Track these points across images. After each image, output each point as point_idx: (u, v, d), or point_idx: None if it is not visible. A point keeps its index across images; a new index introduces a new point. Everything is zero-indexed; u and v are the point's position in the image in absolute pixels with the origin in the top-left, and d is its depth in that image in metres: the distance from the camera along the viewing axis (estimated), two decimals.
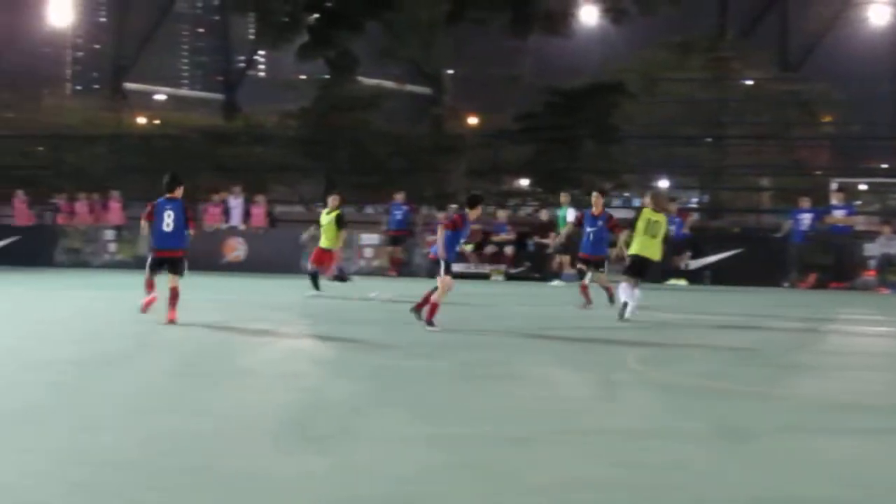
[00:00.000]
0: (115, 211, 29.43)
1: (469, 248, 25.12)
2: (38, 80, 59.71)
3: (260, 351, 11.83)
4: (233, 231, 27.66)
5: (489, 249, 25.59)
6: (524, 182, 39.20)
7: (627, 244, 15.27)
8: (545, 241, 25.11)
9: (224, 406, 8.30)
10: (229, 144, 35.88)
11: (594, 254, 17.01)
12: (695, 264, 25.32)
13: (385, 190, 29.70)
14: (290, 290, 20.02)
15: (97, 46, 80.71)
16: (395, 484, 5.86)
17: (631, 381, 9.85)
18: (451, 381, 9.96)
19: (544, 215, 27.08)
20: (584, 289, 17.19)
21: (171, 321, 13.29)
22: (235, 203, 27.75)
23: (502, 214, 27.21)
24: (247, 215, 27.66)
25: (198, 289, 16.27)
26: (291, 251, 25.22)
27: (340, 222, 19.55)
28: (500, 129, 36.59)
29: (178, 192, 13.84)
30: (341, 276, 19.95)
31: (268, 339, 12.89)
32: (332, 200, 19.92)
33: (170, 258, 13.77)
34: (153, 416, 8.19)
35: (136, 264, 24.49)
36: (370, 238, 27.48)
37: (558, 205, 25.28)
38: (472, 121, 42.48)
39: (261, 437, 7.34)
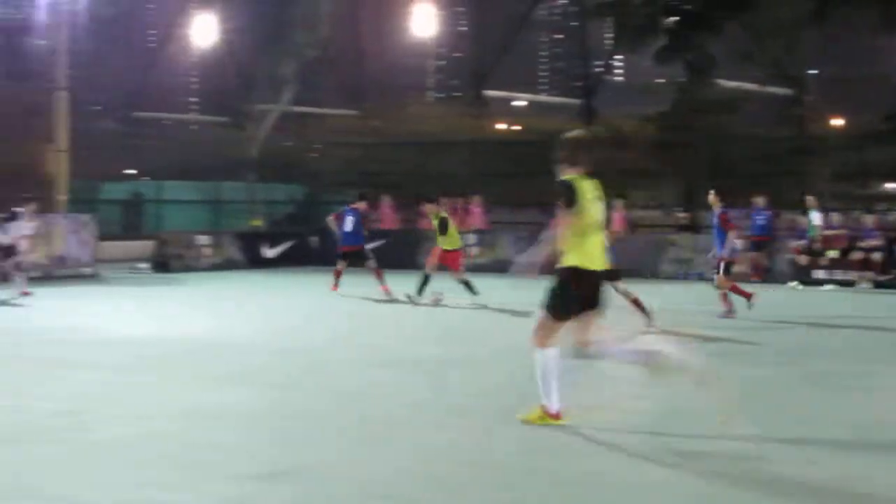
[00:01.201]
0: (477, 215, 30.17)
1: (833, 253, 24.06)
2: (402, 89, 62.09)
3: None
4: None
5: (856, 255, 24.35)
6: (894, 185, 37.23)
7: None
8: None
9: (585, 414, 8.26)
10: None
11: None
12: None
13: (746, 194, 28.89)
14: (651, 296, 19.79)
15: (458, 55, 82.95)
16: None
17: None
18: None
19: None
20: None
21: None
22: None
23: (870, 219, 25.84)
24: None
25: None
26: (651, 255, 25.19)
27: (443, 226, 19.11)
28: (867, 131, 34.87)
29: None
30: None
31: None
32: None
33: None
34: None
35: (494, 267, 25.05)
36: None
37: None
38: (837, 122, 40.65)
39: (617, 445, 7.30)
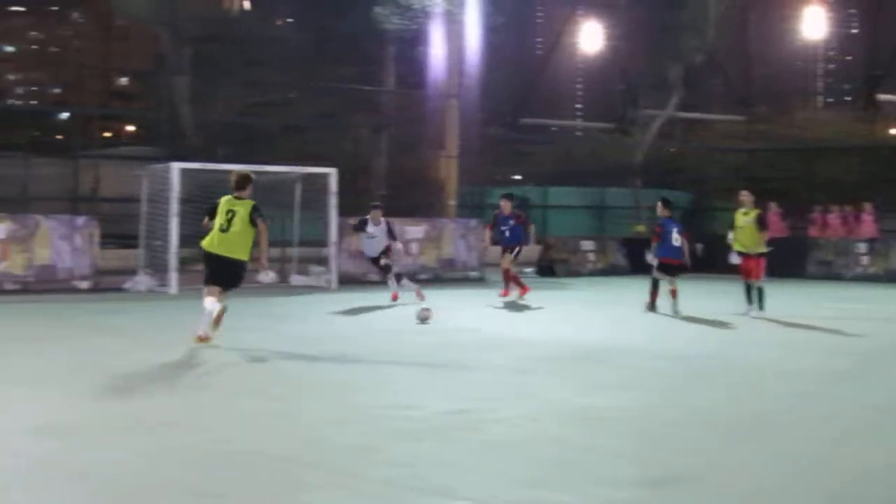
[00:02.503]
0: (868, 223, 28.72)
1: None
2: (790, 94, 60.08)
3: None
4: None
5: None
6: None
7: None
8: None
9: None
10: None
11: None
12: None
13: None
14: None
15: (848, 58, 79.34)
16: None
17: None
18: None
19: None
20: None
21: None
22: None
23: None
24: None
25: None
26: None
27: (762, 223, 17.51)
28: None
29: None
30: None
31: None
32: (745, 197, 17.80)
33: None
34: None
35: (887, 278, 23.69)
36: None
37: None
38: None
39: None
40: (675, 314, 17.51)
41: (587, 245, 30.40)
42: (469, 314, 18.20)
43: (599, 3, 41.67)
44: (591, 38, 44.15)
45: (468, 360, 12.39)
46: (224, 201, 13.16)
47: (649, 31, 39.53)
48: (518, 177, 45.91)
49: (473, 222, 27.71)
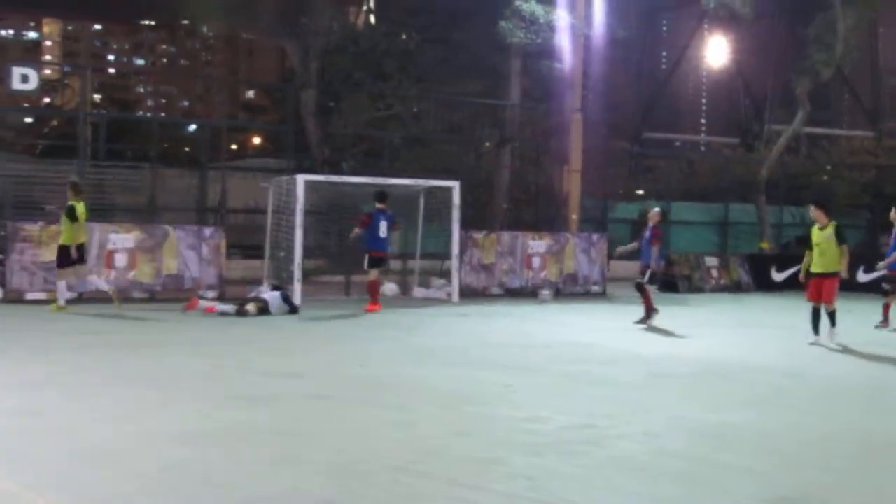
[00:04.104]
0: None
1: None
2: None
3: None
4: None
5: None
6: None
7: None
8: None
9: None
10: None
11: None
12: None
13: None
14: None
15: None
16: None
17: None
18: None
19: None
20: None
21: None
22: None
23: None
24: None
25: None
26: None
27: (841, 237, 16.09)
28: None
29: None
30: None
31: None
32: (814, 212, 16.54)
33: None
34: None
35: None
36: None
37: None
38: None
39: None
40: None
41: (710, 261, 30.01)
42: (591, 328, 18.12)
43: (725, 17, 41.15)
44: (716, 52, 43.67)
45: (590, 374, 12.34)
46: None
47: (776, 45, 38.96)
48: (640, 191, 45.58)
49: (596, 236, 27.56)
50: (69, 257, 19.16)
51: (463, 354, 14.07)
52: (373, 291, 20.90)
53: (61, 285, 19.20)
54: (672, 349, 15.26)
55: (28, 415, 8.88)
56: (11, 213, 23.21)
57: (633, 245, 19.90)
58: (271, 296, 19.26)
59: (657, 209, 19.97)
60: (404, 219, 24.57)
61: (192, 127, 51.55)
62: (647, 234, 19.04)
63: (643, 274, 19.01)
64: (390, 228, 20.98)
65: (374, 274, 20.97)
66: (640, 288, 19.02)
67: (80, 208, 19.28)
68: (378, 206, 20.82)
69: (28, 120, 52.51)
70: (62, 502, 6.35)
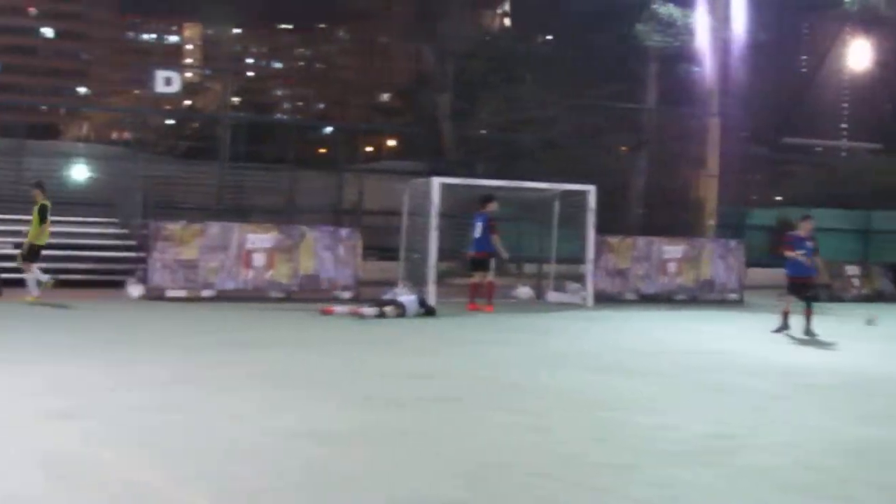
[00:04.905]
0: None
1: None
2: None
3: None
4: None
5: None
6: None
7: None
8: None
9: None
10: None
11: None
12: None
13: None
14: None
15: None
16: None
17: None
18: None
19: None
20: None
21: None
22: None
23: None
24: None
25: None
26: None
27: None
28: None
29: None
30: None
31: None
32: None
33: None
34: None
35: None
36: None
37: None
38: None
39: None
40: None
41: (851, 270, 29.30)
42: (727, 336, 17.85)
43: (869, 19, 40.11)
44: (858, 55, 42.58)
45: (727, 382, 12.14)
46: None
47: None
48: (779, 197, 44.70)
49: (733, 243, 27.11)
50: (39, 254, 19.71)
51: (597, 359, 14.00)
52: (478, 293, 21.08)
53: (32, 278, 19.51)
54: (812, 359, 14.94)
55: (169, 411, 9.10)
56: (153, 213, 23.83)
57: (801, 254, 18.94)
58: (408, 300, 19.40)
59: (808, 218, 19.12)
60: (539, 223, 24.63)
61: (328, 129, 52.26)
62: (809, 244, 18.37)
63: (809, 286, 18.42)
64: (486, 231, 21.20)
65: (477, 276, 21.35)
66: (812, 299, 18.32)
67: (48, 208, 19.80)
68: (482, 208, 21.38)
69: (169, 122, 53.88)
70: (204, 496, 6.48)
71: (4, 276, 20.46)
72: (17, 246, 21.66)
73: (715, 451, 8.26)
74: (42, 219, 19.52)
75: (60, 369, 11.32)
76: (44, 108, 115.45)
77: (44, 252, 20.02)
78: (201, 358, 12.74)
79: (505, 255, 21.83)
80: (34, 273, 19.52)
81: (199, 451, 7.63)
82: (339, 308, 19.46)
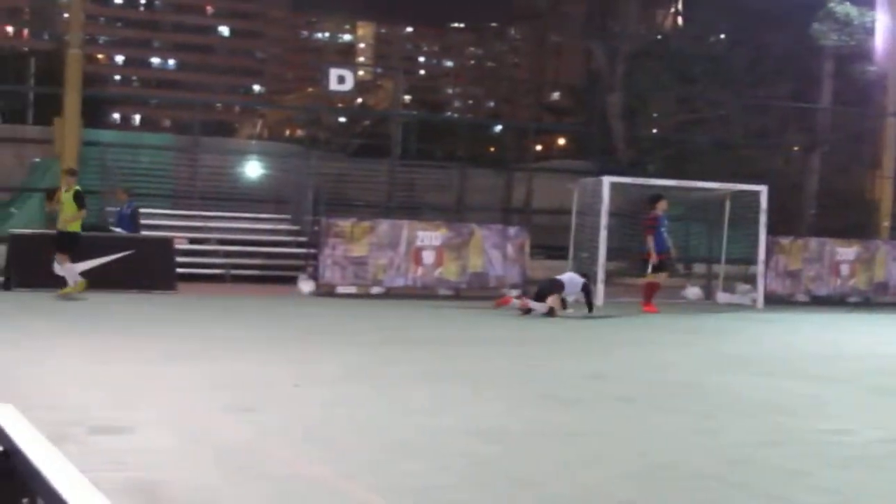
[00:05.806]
0: None
1: None
2: None
3: None
4: None
5: None
6: None
7: None
8: None
9: None
10: None
11: None
12: None
13: None
14: None
15: None
16: None
17: None
18: None
19: None
20: None
21: None
22: None
23: None
24: None
25: None
26: None
27: None
28: None
29: None
30: None
31: None
32: None
33: None
34: None
35: None
36: None
37: None
38: None
39: None
40: None
41: None
42: None
43: None
44: None
45: None
46: None
47: None
48: None
49: None
50: (77, 243, 18.52)
51: (768, 362, 13.84)
52: (652, 294, 20.98)
53: (70, 269, 18.29)
54: None
55: (340, 406, 9.32)
56: (324, 210, 24.34)
57: None
58: (568, 277, 19.20)
59: None
60: (709, 223, 24.37)
61: (498, 128, 52.52)
62: None
63: None
64: (644, 233, 21.10)
65: (660, 277, 21.18)
66: None
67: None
68: (651, 208, 21.21)
69: (342, 120, 54.93)
70: (374, 490, 6.62)
71: (181, 270, 21.08)
72: (193, 241, 22.46)
73: (890, 457, 8.14)
74: (80, 204, 18.45)
75: (234, 365, 11.59)
76: (219, 105, 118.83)
77: (218, 248, 20.36)
78: (373, 354, 13.00)
79: (655, 257, 21.43)
80: (68, 266, 18.26)
81: (368, 446, 7.77)
82: (513, 296, 19.60)
